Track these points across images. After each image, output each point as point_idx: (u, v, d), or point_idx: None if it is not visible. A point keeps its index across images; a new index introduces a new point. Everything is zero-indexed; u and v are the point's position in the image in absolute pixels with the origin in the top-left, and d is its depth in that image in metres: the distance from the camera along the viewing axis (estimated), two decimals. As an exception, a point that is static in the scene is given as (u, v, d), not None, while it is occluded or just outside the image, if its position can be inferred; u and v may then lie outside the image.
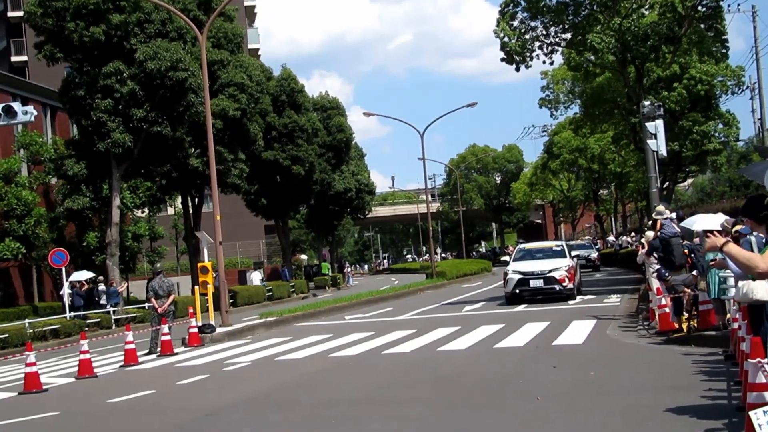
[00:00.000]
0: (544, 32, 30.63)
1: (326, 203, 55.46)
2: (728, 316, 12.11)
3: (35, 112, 21.20)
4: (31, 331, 25.18)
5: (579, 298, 24.60)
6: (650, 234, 16.03)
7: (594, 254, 45.48)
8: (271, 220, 52.18)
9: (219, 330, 21.11)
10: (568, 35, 30.66)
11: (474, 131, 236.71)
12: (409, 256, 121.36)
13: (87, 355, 15.36)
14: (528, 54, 30.49)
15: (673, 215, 15.41)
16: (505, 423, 8.61)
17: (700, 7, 29.24)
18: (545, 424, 8.39)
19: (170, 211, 51.91)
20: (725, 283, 12.34)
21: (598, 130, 44.48)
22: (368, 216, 67.64)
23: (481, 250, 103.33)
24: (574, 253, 36.34)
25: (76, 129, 35.71)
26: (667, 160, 31.90)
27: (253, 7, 70.86)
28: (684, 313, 14.32)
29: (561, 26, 30.41)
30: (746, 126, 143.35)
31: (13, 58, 56.93)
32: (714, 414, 8.02)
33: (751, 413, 5.54)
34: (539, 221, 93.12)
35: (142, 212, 41.92)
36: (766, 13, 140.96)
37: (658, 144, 23.18)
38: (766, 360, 6.21)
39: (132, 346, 16.86)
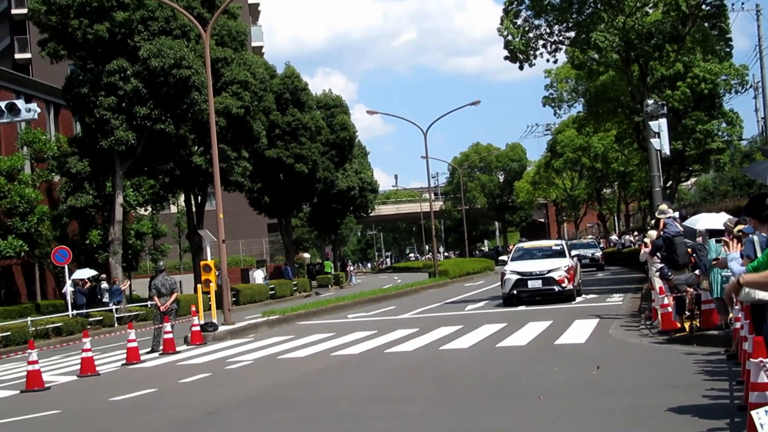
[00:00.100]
0: (548, 30, 30.61)
1: (329, 201, 55.41)
2: (731, 315, 12.08)
3: (38, 110, 21.27)
4: (33, 329, 25.22)
5: (581, 297, 24.40)
6: (653, 233, 16.03)
7: (598, 253, 45.59)
8: (274, 219, 52.19)
9: (221, 328, 21.11)
10: (572, 33, 30.63)
11: (477, 129, 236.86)
12: (411, 254, 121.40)
13: (89, 353, 15.37)
14: (532, 52, 30.47)
15: (676, 214, 15.38)
16: (506, 422, 8.61)
17: (704, 6, 29.17)
18: (547, 424, 8.38)
19: (173, 209, 51.92)
20: (728, 282, 12.30)
21: (601, 128, 44.43)
22: (371, 214, 67.58)
23: (483, 248, 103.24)
24: (578, 251, 36.43)
25: (79, 126, 35.73)
26: (671, 159, 31.90)
27: (257, 4, 70.88)
28: (686, 312, 14.30)
29: (565, 24, 30.38)
30: (749, 125, 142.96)
31: (17, 56, 57.08)
32: (716, 414, 8.01)
33: (753, 413, 5.52)
34: (542, 220, 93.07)
35: (145, 210, 41.96)
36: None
37: (662, 143, 23.18)
38: (768, 360, 6.19)
39: (134, 344, 16.88)
